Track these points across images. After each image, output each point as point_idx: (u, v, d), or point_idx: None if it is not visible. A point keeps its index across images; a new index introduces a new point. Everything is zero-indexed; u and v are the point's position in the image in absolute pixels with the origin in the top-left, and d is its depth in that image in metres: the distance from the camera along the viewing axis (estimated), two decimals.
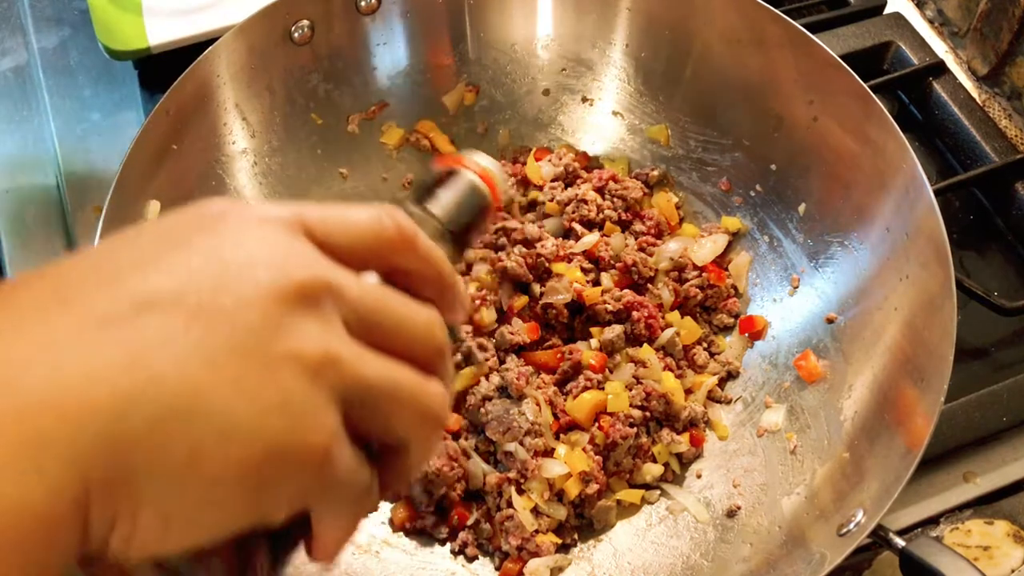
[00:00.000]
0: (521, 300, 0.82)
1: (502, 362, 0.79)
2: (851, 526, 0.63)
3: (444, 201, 0.49)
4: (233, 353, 0.32)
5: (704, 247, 0.86)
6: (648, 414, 0.78)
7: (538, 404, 0.76)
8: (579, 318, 0.83)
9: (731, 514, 0.74)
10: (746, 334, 0.84)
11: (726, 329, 0.85)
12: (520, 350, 0.81)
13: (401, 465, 0.39)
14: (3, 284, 0.33)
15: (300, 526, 0.38)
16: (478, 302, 0.81)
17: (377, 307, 0.36)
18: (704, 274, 0.85)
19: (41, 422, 0.29)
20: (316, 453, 0.33)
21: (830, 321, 0.79)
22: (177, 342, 0.31)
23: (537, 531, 0.73)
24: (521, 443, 0.75)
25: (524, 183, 0.91)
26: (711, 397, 0.81)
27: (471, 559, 0.74)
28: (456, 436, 0.77)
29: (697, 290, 0.84)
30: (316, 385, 0.33)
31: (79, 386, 0.29)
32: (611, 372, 0.80)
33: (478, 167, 0.50)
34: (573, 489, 0.74)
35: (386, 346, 0.36)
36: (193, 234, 0.35)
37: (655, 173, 0.91)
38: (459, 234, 0.48)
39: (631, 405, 0.77)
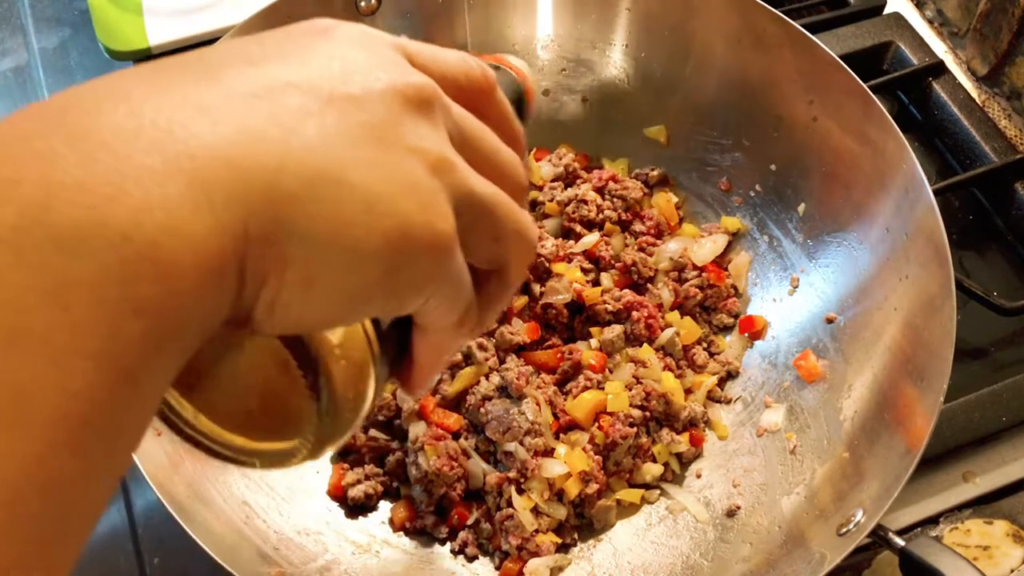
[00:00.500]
0: (521, 300, 0.82)
1: (502, 362, 0.80)
2: (851, 526, 0.63)
3: None
4: (367, 137, 0.33)
5: (704, 247, 0.86)
6: (648, 414, 0.78)
7: (538, 404, 0.76)
8: (579, 318, 0.83)
9: (731, 514, 0.74)
10: (746, 334, 0.84)
11: (726, 329, 0.85)
12: (520, 350, 0.81)
13: (496, 288, 0.40)
14: (146, 63, 0.34)
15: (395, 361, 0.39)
16: None
17: (476, 130, 0.38)
18: (704, 274, 0.85)
19: (210, 166, 0.29)
20: (441, 240, 0.34)
21: (830, 321, 0.79)
22: (320, 120, 0.32)
23: (537, 531, 0.73)
24: (521, 443, 0.75)
25: None
26: (711, 397, 0.81)
27: (471, 559, 0.74)
28: (456, 436, 0.77)
29: (697, 290, 0.84)
30: (438, 181, 0.34)
31: (241, 141, 0.30)
32: (611, 372, 0.80)
33: (516, 68, 0.51)
34: (573, 489, 0.74)
35: (482, 169, 0.38)
36: (313, 38, 0.36)
37: (655, 173, 0.92)
38: None
39: (631, 405, 0.77)
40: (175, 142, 0.29)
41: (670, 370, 0.80)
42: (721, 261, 0.87)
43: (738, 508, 0.74)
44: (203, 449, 0.37)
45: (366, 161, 0.33)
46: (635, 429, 0.76)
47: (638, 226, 0.88)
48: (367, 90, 0.34)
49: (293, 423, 0.37)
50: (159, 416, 0.37)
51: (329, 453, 0.39)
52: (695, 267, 0.86)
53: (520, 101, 0.50)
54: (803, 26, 0.81)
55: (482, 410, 0.76)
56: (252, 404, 0.38)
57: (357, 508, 0.75)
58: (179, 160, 0.29)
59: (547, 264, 0.82)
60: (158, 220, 0.27)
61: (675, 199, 0.90)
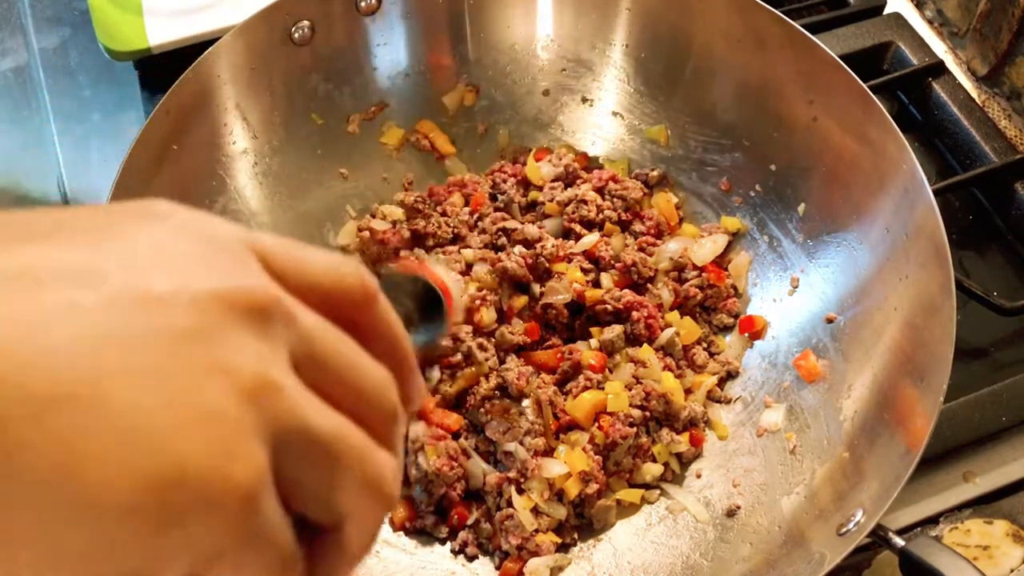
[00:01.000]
0: (521, 300, 0.82)
1: (502, 362, 0.80)
2: (851, 526, 0.63)
3: (402, 303, 0.44)
4: (157, 347, 0.26)
5: (704, 247, 0.86)
6: (648, 414, 0.78)
7: (538, 404, 0.76)
8: (579, 318, 0.83)
9: (731, 514, 0.74)
10: (746, 334, 0.84)
11: (726, 329, 0.85)
12: (520, 350, 0.81)
13: (334, 551, 0.32)
14: None
15: None
16: (478, 302, 0.81)
17: (329, 347, 0.31)
18: (704, 274, 0.85)
19: None
20: (238, 491, 0.26)
21: (830, 321, 0.79)
22: (88, 319, 0.25)
23: (537, 530, 0.73)
24: (521, 443, 0.75)
25: (524, 183, 0.91)
26: (711, 397, 0.81)
27: (471, 558, 0.74)
28: (456, 436, 0.77)
29: (697, 290, 0.84)
30: (248, 411, 0.27)
31: None
32: (611, 372, 0.80)
33: (438, 279, 0.47)
34: (573, 489, 0.74)
35: (333, 395, 0.30)
36: (140, 220, 0.29)
37: (655, 173, 0.92)
38: (413, 335, 0.45)
39: (631, 405, 0.77)
40: None
41: (670, 370, 0.80)
42: (721, 261, 0.87)
43: (738, 508, 0.74)
44: None
45: (139, 376, 0.25)
46: (635, 429, 0.76)
47: (638, 226, 0.88)
48: (178, 290, 0.27)
49: None
50: None
51: None
52: (695, 267, 0.86)
53: (440, 310, 0.46)
54: (803, 26, 0.81)
55: (482, 410, 0.76)
56: None
57: None
58: None
59: (547, 264, 0.82)
60: None
61: (675, 199, 0.90)
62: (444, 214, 0.88)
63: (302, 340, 0.30)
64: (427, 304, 0.46)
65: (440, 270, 0.49)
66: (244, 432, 0.27)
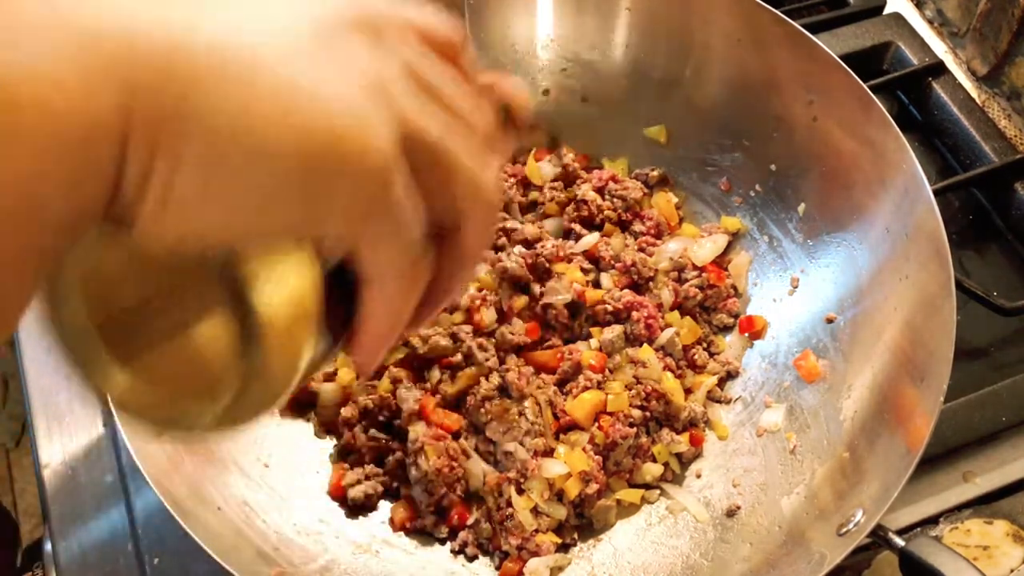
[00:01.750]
0: (521, 300, 0.82)
1: (502, 362, 0.80)
2: (851, 526, 0.63)
3: None
4: (311, 28, 0.31)
5: (704, 247, 0.86)
6: (648, 414, 0.78)
7: (538, 404, 0.76)
8: (579, 318, 0.83)
9: (731, 514, 0.74)
10: (746, 334, 0.84)
11: (726, 329, 0.85)
12: (520, 350, 0.81)
13: (456, 250, 0.37)
14: None
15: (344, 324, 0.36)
16: (478, 302, 0.81)
17: (436, 74, 0.35)
18: (704, 274, 0.85)
19: (106, 30, 0.26)
20: (378, 160, 0.31)
21: (830, 321, 0.79)
22: (257, 11, 0.30)
23: (537, 531, 0.73)
24: (521, 443, 0.75)
25: (524, 183, 0.91)
26: (711, 397, 0.81)
27: (471, 559, 0.74)
28: (456, 436, 0.77)
29: (697, 290, 0.84)
30: (383, 98, 0.31)
31: (149, 15, 0.27)
32: (611, 372, 0.80)
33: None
34: (573, 489, 0.74)
35: (438, 110, 0.35)
36: None
37: (655, 173, 0.92)
38: None
39: (631, 405, 0.77)
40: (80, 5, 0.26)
41: (670, 370, 0.80)
42: (721, 261, 0.87)
43: (738, 508, 0.74)
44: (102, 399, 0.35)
45: (302, 52, 0.30)
46: (635, 429, 0.76)
47: (638, 226, 0.88)
48: (324, 6, 0.32)
49: (209, 383, 0.33)
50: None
51: (244, 425, 0.34)
52: (695, 267, 0.86)
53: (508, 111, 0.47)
54: (803, 26, 0.81)
55: (482, 410, 0.76)
56: (174, 358, 0.33)
57: (357, 508, 0.75)
58: (76, 22, 0.26)
59: (547, 264, 0.82)
60: (26, 71, 0.25)
61: (675, 199, 0.90)
62: None
63: (412, 64, 0.34)
64: None
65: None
66: (379, 116, 0.31)
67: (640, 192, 0.89)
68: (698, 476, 0.78)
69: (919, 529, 0.74)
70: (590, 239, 0.86)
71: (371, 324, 0.36)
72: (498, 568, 0.73)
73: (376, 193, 0.31)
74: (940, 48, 1.07)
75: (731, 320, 0.85)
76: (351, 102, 0.30)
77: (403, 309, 0.37)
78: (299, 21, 0.31)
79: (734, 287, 0.86)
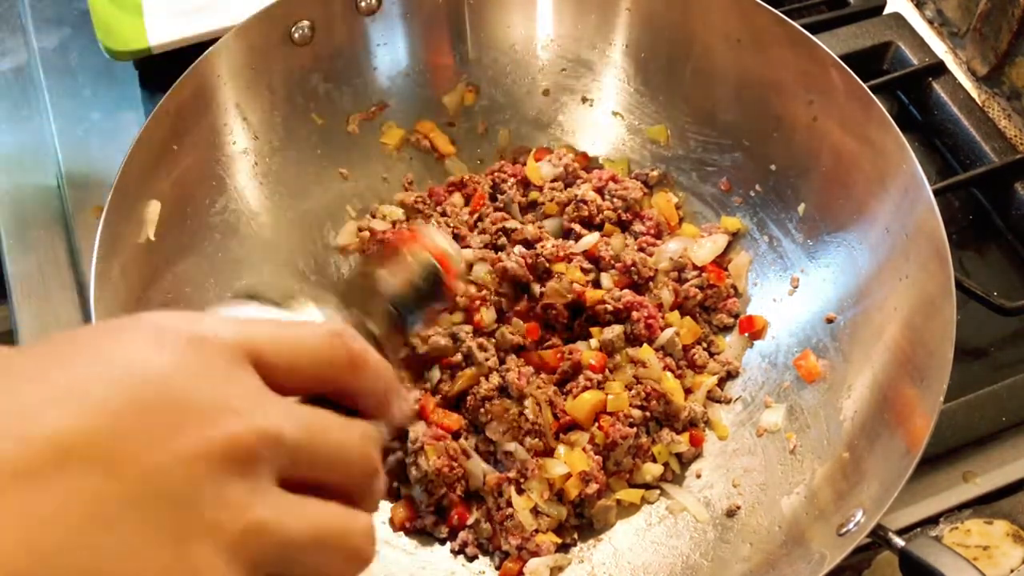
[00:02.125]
0: (521, 300, 0.82)
1: (502, 362, 0.80)
2: (851, 526, 0.63)
3: (397, 281, 0.48)
4: (144, 524, 0.29)
5: (704, 247, 0.86)
6: (648, 414, 0.78)
7: (538, 404, 0.76)
8: (579, 318, 0.83)
9: (731, 514, 0.74)
10: (746, 334, 0.84)
11: (726, 329, 0.85)
12: (520, 350, 0.81)
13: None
14: None
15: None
16: (478, 302, 0.81)
17: (314, 444, 0.35)
18: (704, 274, 0.85)
19: None
20: None
21: (830, 321, 0.79)
22: (82, 508, 0.28)
23: (537, 530, 0.73)
24: (521, 443, 0.75)
25: (524, 183, 0.91)
26: (711, 397, 0.81)
27: (471, 559, 0.74)
28: (456, 436, 0.77)
29: (697, 290, 0.84)
30: (235, 561, 0.31)
31: None
32: (611, 372, 0.80)
33: (435, 248, 0.50)
34: (573, 489, 0.74)
35: (319, 477, 0.35)
36: (120, 356, 0.32)
37: (655, 173, 0.91)
38: (408, 315, 0.49)
39: (631, 405, 0.77)
40: None
41: (670, 370, 0.80)
42: (721, 261, 0.87)
43: (738, 508, 0.74)
44: None
45: (133, 558, 0.28)
46: (635, 429, 0.76)
47: (638, 226, 0.88)
48: (164, 456, 0.30)
49: None
50: None
51: None
52: (695, 267, 0.86)
53: (437, 284, 0.49)
54: (803, 26, 0.81)
55: (482, 410, 0.76)
56: None
57: None
58: None
59: (547, 264, 0.82)
60: None
61: (675, 199, 0.90)
62: (444, 214, 0.88)
63: (287, 454, 0.33)
64: (427, 276, 0.50)
65: (437, 236, 0.50)
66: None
67: (640, 192, 0.89)
68: (698, 476, 0.78)
69: (919, 529, 0.74)
70: (590, 239, 0.85)
71: None
72: (498, 568, 0.73)
73: None
74: (940, 48, 1.07)
75: (731, 320, 0.85)
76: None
77: None
78: (147, 485, 0.29)
79: (734, 287, 0.86)
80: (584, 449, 0.75)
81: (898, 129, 0.74)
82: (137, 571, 0.29)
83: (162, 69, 0.92)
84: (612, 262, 0.85)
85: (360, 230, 0.88)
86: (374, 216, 0.89)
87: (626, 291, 0.83)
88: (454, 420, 0.77)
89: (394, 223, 0.88)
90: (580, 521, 0.76)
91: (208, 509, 0.30)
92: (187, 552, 0.29)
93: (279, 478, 0.33)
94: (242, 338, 0.34)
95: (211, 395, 0.32)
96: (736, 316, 0.85)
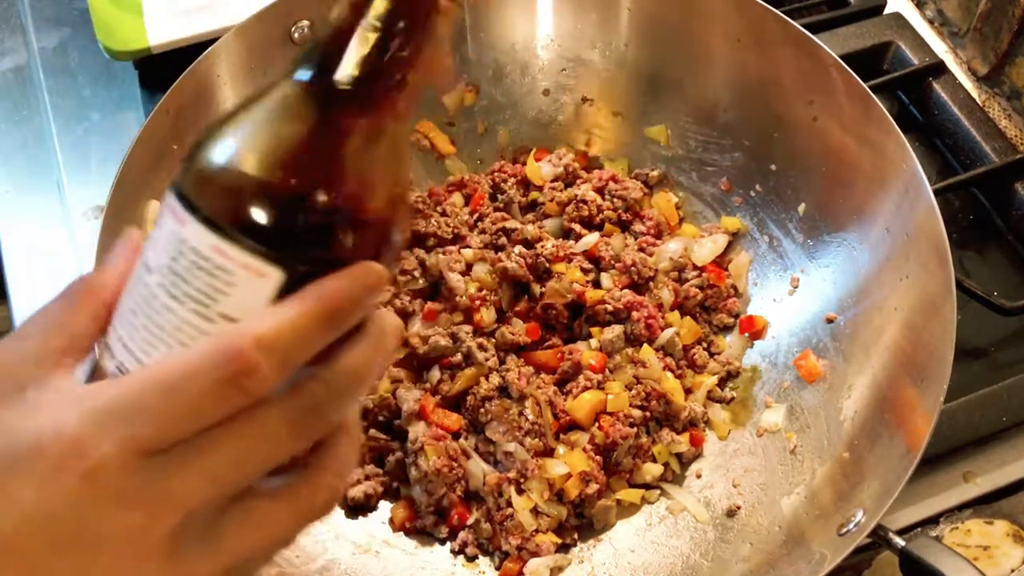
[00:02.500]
0: (521, 300, 0.82)
1: (502, 362, 0.79)
2: (851, 526, 0.63)
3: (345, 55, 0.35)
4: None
5: (704, 247, 0.86)
6: (648, 414, 0.78)
7: (538, 404, 0.76)
8: (579, 318, 0.83)
9: (731, 514, 0.74)
10: (746, 334, 0.84)
11: (726, 329, 0.85)
12: (520, 350, 0.81)
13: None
14: None
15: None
16: (478, 302, 0.81)
17: (226, 481, 0.34)
18: (704, 274, 0.85)
19: None
20: None
21: (830, 321, 0.79)
22: None
23: (537, 531, 0.73)
24: (521, 443, 0.75)
25: (524, 183, 0.91)
26: (711, 397, 0.81)
27: (471, 559, 0.74)
28: (456, 436, 0.77)
29: (697, 290, 0.84)
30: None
31: None
32: (611, 372, 0.80)
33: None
34: (573, 489, 0.74)
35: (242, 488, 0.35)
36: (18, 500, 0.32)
37: (655, 173, 0.91)
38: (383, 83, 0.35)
39: (631, 405, 0.77)
40: None
41: (670, 370, 0.80)
42: (721, 261, 0.87)
43: (738, 508, 0.74)
44: None
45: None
46: (635, 429, 0.76)
47: (638, 226, 0.88)
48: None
49: None
50: None
51: None
52: (695, 267, 0.86)
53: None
54: (803, 26, 0.80)
55: (482, 410, 0.76)
56: None
57: (357, 508, 0.75)
58: None
59: (547, 264, 0.82)
60: None
61: (675, 199, 0.90)
62: (444, 214, 0.88)
63: (203, 513, 0.34)
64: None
65: None
66: None
67: (640, 192, 0.89)
68: (698, 476, 0.78)
69: (919, 529, 0.74)
70: (590, 239, 0.85)
71: None
72: (498, 568, 0.73)
73: None
74: (940, 48, 1.07)
75: (731, 320, 0.85)
76: None
77: None
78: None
79: (734, 287, 0.86)
80: (584, 449, 0.75)
81: (898, 129, 0.74)
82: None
83: (162, 69, 0.92)
84: (612, 262, 0.84)
85: None
86: None
87: (626, 291, 0.83)
88: (454, 420, 0.77)
89: None
90: (580, 521, 0.76)
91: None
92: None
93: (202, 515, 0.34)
94: (125, 441, 0.32)
95: (113, 522, 0.33)
96: (736, 316, 0.85)
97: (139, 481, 0.32)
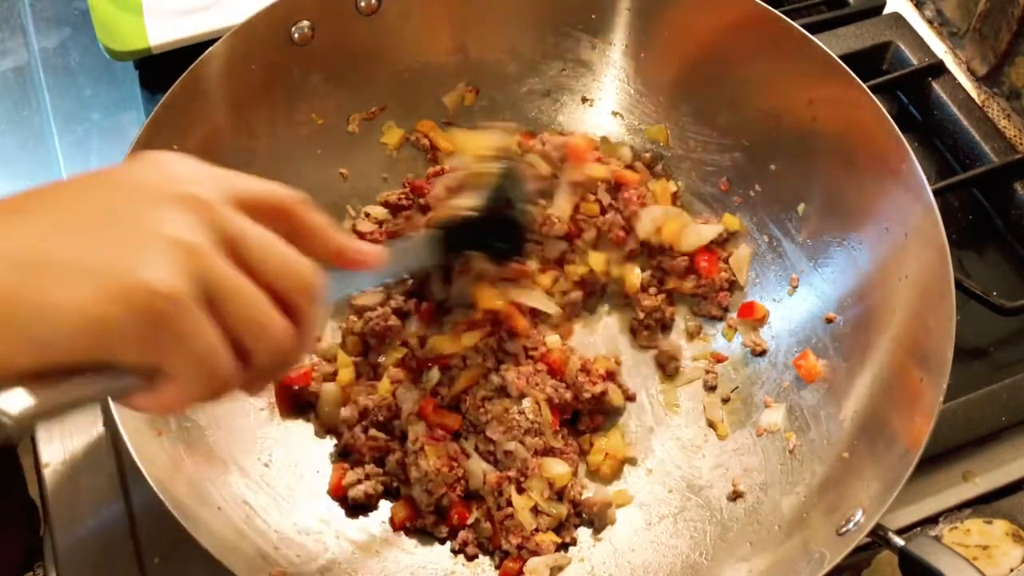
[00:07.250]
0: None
1: (501, 362, 0.80)
2: (850, 525, 0.63)
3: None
4: (102, 223, 0.42)
5: (691, 234, 0.86)
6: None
7: (538, 403, 0.76)
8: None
9: (731, 514, 0.74)
10: (746, 335, 0.84)
11: (714, 319, 0.85)
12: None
13: (249, 370, 0.47)
14: None
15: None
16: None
17: (249, 238, 0.46)
18: (697, 269, 0.86)
19: None
20: (157, 302, 0.40)
21: (829, 321, 0.79)
22: (45, 215, 0.42)
23: (537, 530, 0.73)
24: (521, 442, 0.75)
25: None
26: (707, 386, 0.82)
27: (471, 558, 0.74)
28: (456, 436, 0.77)
29: (685, 280, 0.85)
30: (179, 260, 0.41)
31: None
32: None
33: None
34: (573, 488, 0.74)
35: (252, 269, 0.45)
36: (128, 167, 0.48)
37: (648, 155, 0.91)
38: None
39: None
40: None
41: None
42: (721, 254, 0.87)
43: (738, 505, 0.74)
44: None
45: (89, 243, 0.41)
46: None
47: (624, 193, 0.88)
48: (131, 195, 0.44)
49: None
50: None
51: None
52: (683, 254, 0.86)
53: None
54: (803, 26, 0.81)
55: (482, 410, 0.76)
56: None
57: (357, 508, 0.75)
58: None
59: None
60: None
61: (674, 187, 0.90)
62: (426, 207, 0.88)
63: (229, 231, 0.45)
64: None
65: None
66: (171, 267, 0.41)
67: (609, 173, 0.88)
68: (698, 476, 0.78)
69: (919, 529, 0.75)
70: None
71: (163, 397, 0.45)
72: (498, 567, 0.73)
73: (161, 326, 0.41)
74: (940, 48, 1.07)
75: (719, 312, 0.85)
76: (143, 258, 0.41)
77: (205, 394, 0.46)
78: (109, 204, 0.43)
79: (734, 280, 0.86)
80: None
81: (898, 129, 0.74)
82: (87, 248, 0.42)
83: (162, 69, 0.92)
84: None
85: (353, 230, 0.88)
86: (356, 216, 0.89)
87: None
88: (453, 420, 0.77)
89: (380, 223, 0.88)
90: (580, 520, 0.76)
91: (166, 226, 0.43)
92: (141, 241, 0.42)
93: (222, 245, 0.45)
94: (218, 177, 0.48)
95: (184, 179, 0.47)
96: (726, 309, 0.85)
97: (199, 180, 0.47)
